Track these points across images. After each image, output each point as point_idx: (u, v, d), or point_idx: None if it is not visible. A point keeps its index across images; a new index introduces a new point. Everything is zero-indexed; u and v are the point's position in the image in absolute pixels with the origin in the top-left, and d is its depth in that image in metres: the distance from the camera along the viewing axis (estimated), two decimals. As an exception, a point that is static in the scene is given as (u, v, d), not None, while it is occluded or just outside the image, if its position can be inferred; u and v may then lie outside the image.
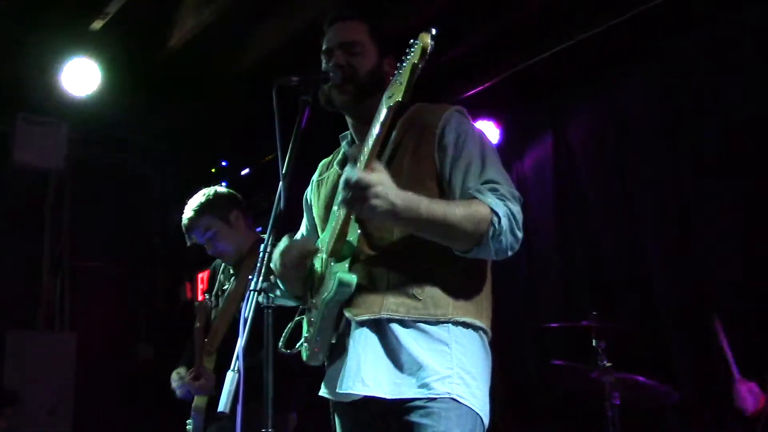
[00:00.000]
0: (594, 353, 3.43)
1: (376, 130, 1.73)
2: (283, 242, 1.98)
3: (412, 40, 1.62)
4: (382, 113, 1.71)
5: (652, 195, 4.09)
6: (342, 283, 1.85)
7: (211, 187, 3.27)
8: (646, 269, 4.06)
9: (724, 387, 3.25)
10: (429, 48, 1.58)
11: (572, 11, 4.14)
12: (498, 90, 4.71)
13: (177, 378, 3.10)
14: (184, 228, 3.19)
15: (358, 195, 1.66)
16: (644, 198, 4.13)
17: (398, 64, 1.66)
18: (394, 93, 1.66)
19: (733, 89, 3.79)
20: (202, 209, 3.13)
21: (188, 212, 3.16)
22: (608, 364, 3.38)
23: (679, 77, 4.04)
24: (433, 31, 1.59)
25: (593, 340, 3.45)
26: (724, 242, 3.72)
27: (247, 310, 1.65)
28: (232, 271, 3.23)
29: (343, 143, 2.17)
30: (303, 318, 2.07)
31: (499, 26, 4.34)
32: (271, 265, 1.91)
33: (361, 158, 1.73)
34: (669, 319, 3.90)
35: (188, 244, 3.22)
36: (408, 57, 1.62)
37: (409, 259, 1.87)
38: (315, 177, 2.28)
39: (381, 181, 1.67)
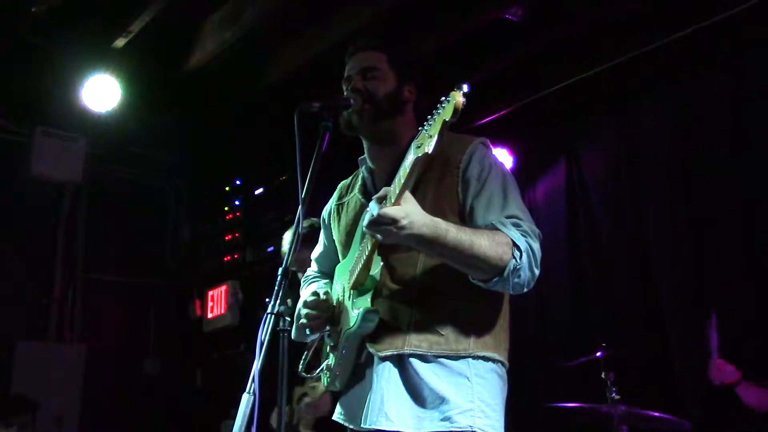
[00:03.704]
0: (603, 385, 3.42)
1: (402, 173, 1.73)
2: (309, 296, 2.05)
3: (443, 97, 1.63)
4: (409, 160, 1.71)
5: (665, 224, 4.09)
6: (365, 319, 1.88)
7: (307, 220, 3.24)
8: (657, 299, 4.05)
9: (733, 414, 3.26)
10: (461, 107, 1.59)
11: (587, 44, 4.18)
12: (513, 118, 4.74)
13: None
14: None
15: (385, 229, 1.71)
16: (657, 227, 4.13)
17: (428, 117, 1.67)
18: (423, 144, 1.65)
19: (745, 119, 3.81)
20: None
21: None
22: (617, 397, 3.37)
23: (692, 107, 4.06)
24: (465, 88, 1.60)
25: (602, 372, 3.44)
26: (738, 274, 3.71)
27: (264, 334, 1.67)
28: None
29: (362, 168, 2.19)
30: (322, 343, 2.09)
31: (514, 56, 4.39)
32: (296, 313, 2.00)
33: (389, 199, 1.74)
34: (680, 352, 3.87)
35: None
36: (439, 111, 1.63)
37: (432, 295, 1.89)
38: (334, 199, 2.29)
39: (407, 213, 1.71)
